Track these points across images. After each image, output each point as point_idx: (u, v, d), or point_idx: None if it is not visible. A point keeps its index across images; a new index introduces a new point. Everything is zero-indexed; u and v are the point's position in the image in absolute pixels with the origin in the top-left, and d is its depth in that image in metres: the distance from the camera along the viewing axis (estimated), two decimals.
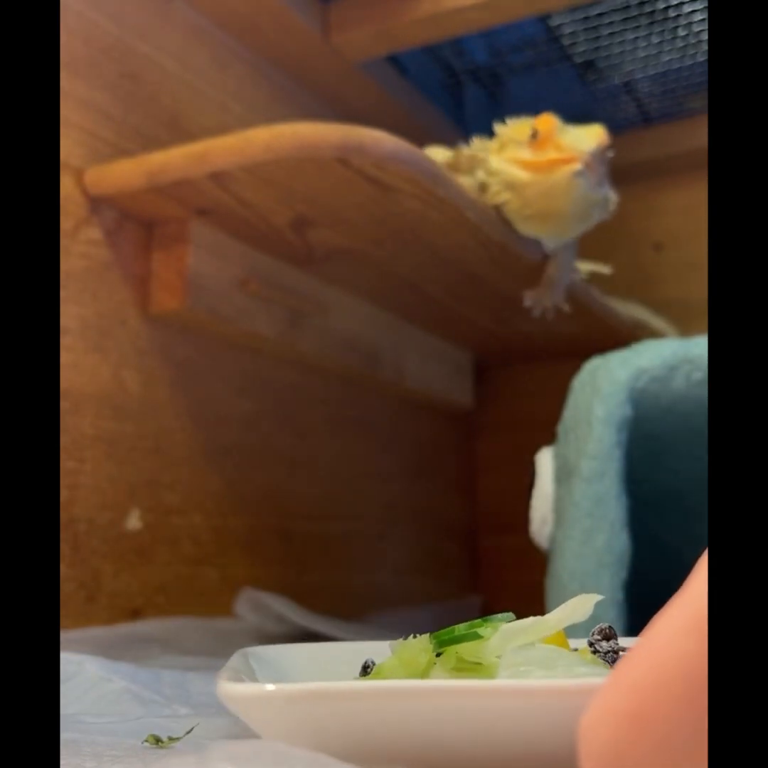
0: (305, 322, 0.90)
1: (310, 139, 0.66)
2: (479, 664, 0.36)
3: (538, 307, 0.89)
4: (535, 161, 0.77)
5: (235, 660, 0.38)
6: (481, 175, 0.81)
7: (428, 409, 1.18)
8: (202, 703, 0.50)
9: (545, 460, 0.79)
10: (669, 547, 0.79)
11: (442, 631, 0.37)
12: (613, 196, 0.83)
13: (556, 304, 0.89)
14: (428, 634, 0.38)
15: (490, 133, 1.20)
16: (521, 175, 0.78)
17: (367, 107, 1.02)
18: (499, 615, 0.38)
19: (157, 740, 0.39)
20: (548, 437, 0.81)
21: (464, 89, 1.13)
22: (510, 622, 0.37)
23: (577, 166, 0.74)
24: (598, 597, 0.38)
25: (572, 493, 0.72)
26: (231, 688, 0.32)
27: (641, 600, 0.62)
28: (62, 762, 0.33)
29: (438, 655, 0.37)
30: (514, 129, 0.81)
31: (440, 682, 0.33)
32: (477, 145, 0.86)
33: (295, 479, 0.95)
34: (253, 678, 0.37)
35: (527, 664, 0.34)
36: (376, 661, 0.41)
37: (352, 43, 0.94)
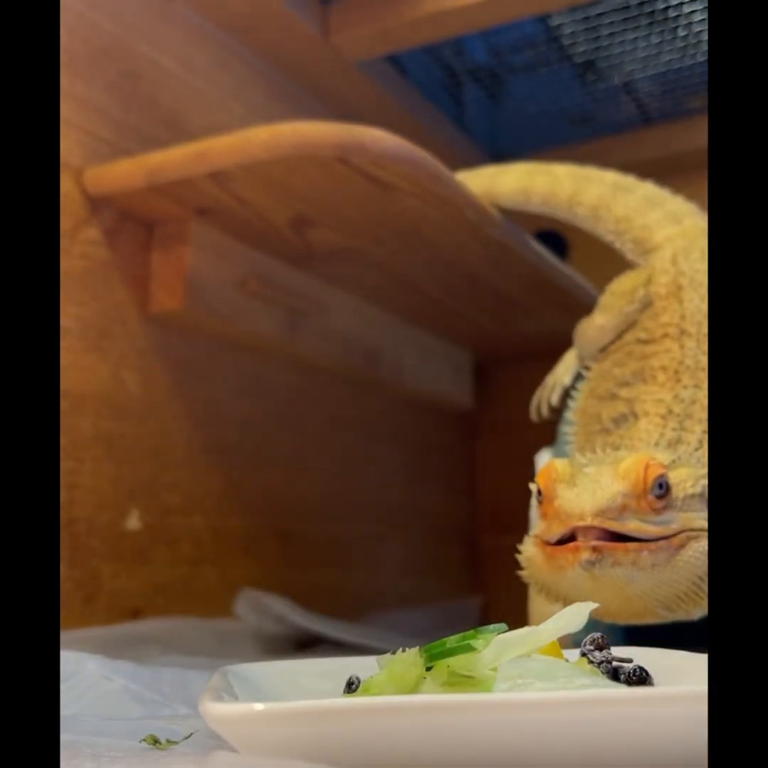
0: (305, 321, 0.90)
1: (309, 137, 0.66)
2: (471, 677, 0.35)
3: (535, 408, 0.79)
4: (540, 542, 0.51)
5: (216, 679, 0.37)
6: None
7: (428, 409, 1.18)
8: None
9: (544, 460, 0.79)
10: None
11: (432, 643, 0.36)
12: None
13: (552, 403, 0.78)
14: (418, 648, 0.37)
15: (489, 133, 1.20)
16: (536, 558, 0.53)
17: (367, 107, 1.02)
18: (491, 626, 0.37)
19: (156, 741, 0.38)
20: (548, 437, 0.81)
21: (464, 89, 1.13)
22: (502, 633, 0.36)
23: (583, 555, 0.47)
24: (593, 606, 0.38)
25: None
26: (215, 708, 0.31)
27: None
28: (62, 763, 0.33)
29: (428, 668, 0.36)
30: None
31: (438, 697, 0.32)
32: None
33: (295, 480, 0.95)
34: (235, 697, 0.36)
35: (525, 676, 0.33)
36: (361, 677, 0.40)
37: (351, 43, 0.94)
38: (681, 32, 1.00)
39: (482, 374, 1.22)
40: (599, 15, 0.98)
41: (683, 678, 0.40)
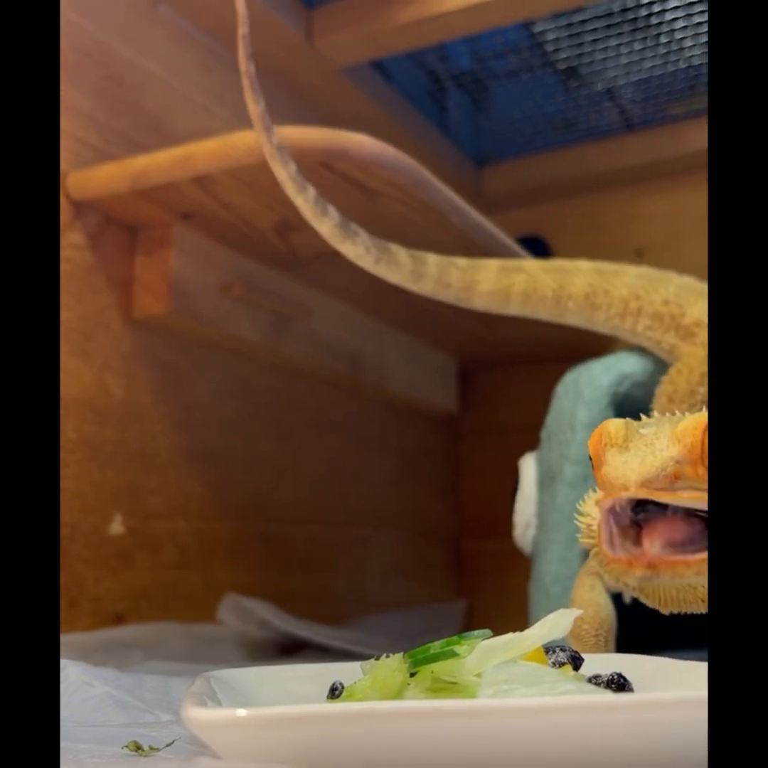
0: (289, 326, 0.90)
1: (294, 142, 0.66)
2: (455, 683, 0.35)
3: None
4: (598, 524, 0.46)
5: (199, 684, 0.37)
6: None
7: (413, 413, 1.18)
8: None
9: (529, 465, 0.79)
10: None
11: (416, 649, 0.36)
12: None
13: None
14: (402, 654, 0.36)
15: (473, 139, 1.20)
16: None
17: (351, 112, 1.02)
18: (476, 632, 0.36)
19: (138, 747, 0.38)
20: (532, 442, 0.81)
21: (448, 95, 1.14)
22: (486, 638, 0.36)
23: (637, 572, 0.43)
24: (578, 612, 0.38)
25: (555, 497, 0.72)
26: (198, 714, 0.31)
27: (625, 605, 0.62)
28: None
29: (412, 674, 0.36)
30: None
31: (420, 703, 0.31)
32: None
33: (279, 484, 0.95)
34: (218, 702, 0.36)
35: (510, 682, 0.33)
36: (345, 682, 0.40)
37: (336, 48, 0.94)
38: (663, 39, 1.01)
39: (467, 379, 1.23)
40: (582, 22, 0.99)
41: (661, 684, 0.40)
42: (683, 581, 0.43)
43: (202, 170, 0.69)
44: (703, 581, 0.43)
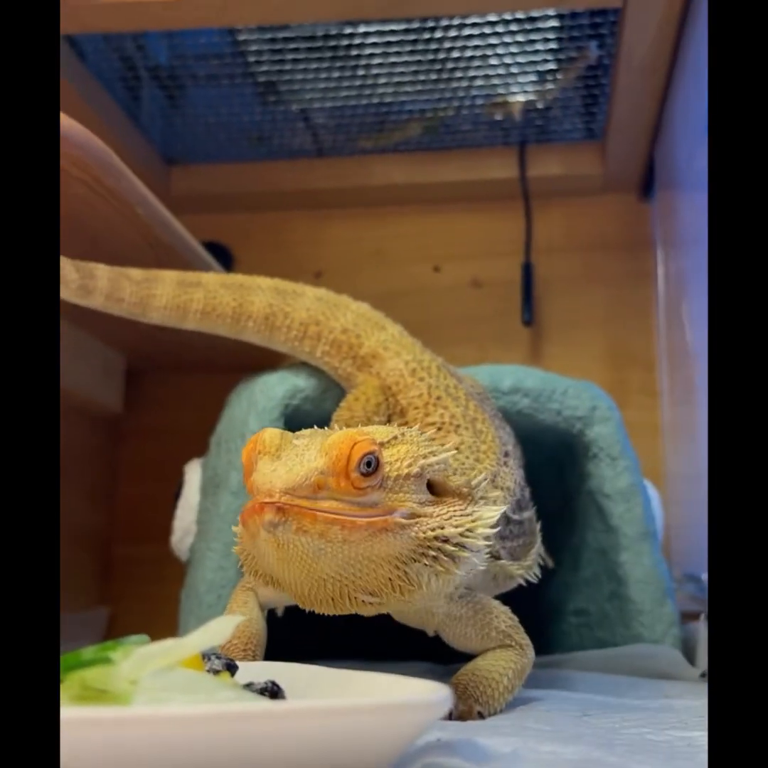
0: None
1: None
2: (107, 691, 0.33)
3: None
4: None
5: None
6: None
7: (72, 409, 1.12)
8: None
9: (194, 471, 0.78)
10: None
11: (67, 655, 0.34)
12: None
13: None
14: None
15: (164, 136, 1.18)
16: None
17: None
18: (132, 637, 0.35)
19: None
20: (198, 448, 0.80)
21: (142, 86, 1.10)
22: (143, 644, 0.35)
23: (267, 516, 0.45)
24: (240, 618, 0.38)
25: (219, 504, 0.71)
26: None
27: (279, 617, 0.63)
28: None
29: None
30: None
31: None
32: None
33: None
34: None
35: (167, 690, 0.32)
36: None
37: None
38: (360, 72, 1.05)
39: (134, 379, 1.18)
40: (286, 39, 1.00)
41: (314, 691, 0.41)
42: (308, 540, 0.45)
43: None
44: (325, 547, 0.45)
